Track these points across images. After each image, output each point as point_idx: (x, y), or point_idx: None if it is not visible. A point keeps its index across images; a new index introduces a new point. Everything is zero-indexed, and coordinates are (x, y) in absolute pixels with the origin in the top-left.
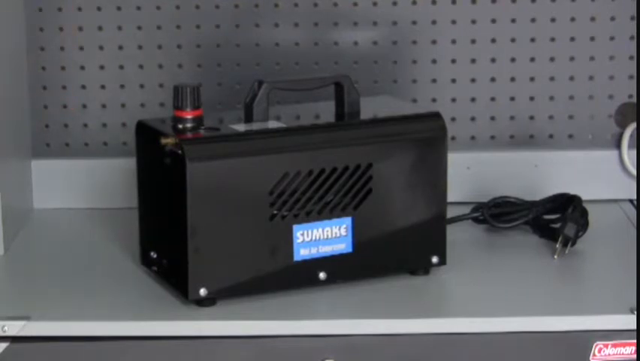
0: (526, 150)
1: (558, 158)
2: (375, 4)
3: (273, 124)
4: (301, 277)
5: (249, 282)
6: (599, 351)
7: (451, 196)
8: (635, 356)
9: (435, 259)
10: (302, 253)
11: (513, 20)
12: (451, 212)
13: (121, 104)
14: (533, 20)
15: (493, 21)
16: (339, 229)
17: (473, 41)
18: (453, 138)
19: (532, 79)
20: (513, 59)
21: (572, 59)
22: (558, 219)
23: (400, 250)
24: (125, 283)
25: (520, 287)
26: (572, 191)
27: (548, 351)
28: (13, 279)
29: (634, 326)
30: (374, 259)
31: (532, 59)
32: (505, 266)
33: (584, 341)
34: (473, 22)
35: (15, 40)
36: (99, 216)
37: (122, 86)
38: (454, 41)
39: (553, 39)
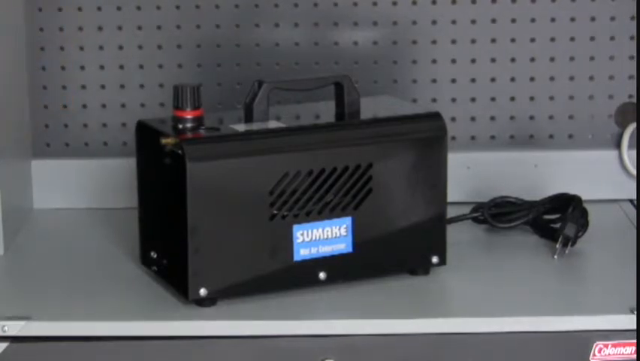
0: (526, 150)
1: (558, 158)
2: (375, 4)
3: (273, 124)
4: (301, 277)
5: (249, 282)
6: (599, 351)
7: (451, 196)
8: (635, 356)
9: (435, 259)
10: (302, 253)
11: (513, 20)
12: (451, 212)
13: (121, 104)
14: (533, 20)
15: (493, 21)
16: (339, 229)
17: (473, 41)
18: (453, 138)
19: (532, 79)
20: (513, 59)
21: (572, 59)
22: (558, 219)
23: (400, 250)
24: (125, 283)
25: (520, 287)
26: (572, 191)
27: (548, 351)
28: (13, 279)
29: (634, 326)
30: (374, 259)
31: (532, 59)
32: (505, 266)
33: (584, 341)
34: (473, 22)
35: (15, 40)
36: (99, 216)
37: (122, 86)
38: (454, 41)
39: (553, 39)
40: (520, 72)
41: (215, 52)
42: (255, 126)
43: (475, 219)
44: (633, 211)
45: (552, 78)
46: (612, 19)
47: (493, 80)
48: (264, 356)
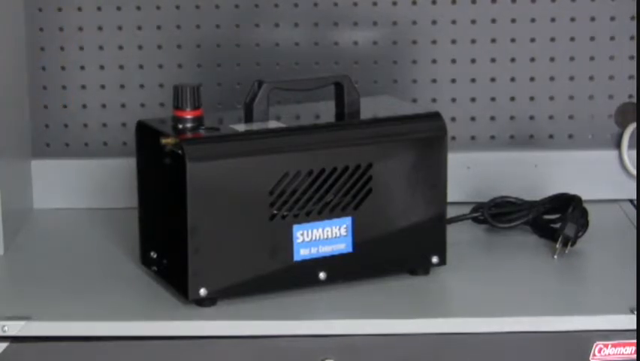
0: (526, 150)
1: (558, 158)
2: (375, 4)
3: (273, 124)
4: (301, 277)
5: (249, 282)
6: (599, 351)
7: (451, 196)
8: (635, 356)
9: (435, 259)
10: (302, 253)
11: (513, 20)
12: (451, 212)
13: (121, 104)
14: (533, 20)
15: (493, 21)
16: (339, 229)
17: (473, 41)
18: (453, 138)
19: (532, 79)
20: (513, 59)
21: (572, 59)
22: (558, 219)
23: (400, 250)
24: (125, 283)
25: (520, 287)
26: (572, 191)
27: (548, 351)
28: (13, 279)
29: (634, 326)
30: (374, 259)
31: (532, 59)
32: (505, 266)
33: (584, 341)
34: (473, 22)
35: (15, 40)
36: (99, 216)
37: (122, 86)
38: (454, 41)
39: (553, 39)
40: (520, 72)
41: (215, 52)
42: (255, 126)
43: (475, 219)
44: (633, 211)
45: (552, 78)
46: (612, 19)
47: (493, 80)
48: (264, 356)
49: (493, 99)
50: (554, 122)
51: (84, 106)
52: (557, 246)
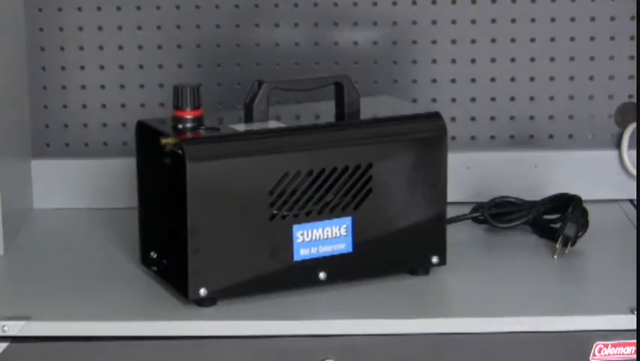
0: (526, 150)
1: (558, 158)
2: (375, 4)
3: (273, 124)
4: (301, 277)
5: (249, 282)
6: (599, 351)
7: (451, 196)
8: (635, 356)
9: (435, 259)
10: (302, 253)
11: (513, 20)
12: (451, 212)
13: (121, 104)
14: (533, 20)
15: (493, 21)
16: (339, 229)
17: (473, 41)
18: (453, 138)
19: (532, 79)
20: (513, 59)
21: (572, 59)
22: (558, 219)
23: (400, 250)
24: (125, 283)
25: (520, 287)
26: (572, 191)
27: (548, 351)
28: (13, 279)
29: (634, 326)
30: (374, 259)
31: (532, 59)
32: (505, 266)
33: (584, 341)
34: (473, 22)
35: (15, 40)
36: (99, 216)
37: (122, 86)
38: (454, 41)
39: (553, 39)
40: (520, 72)
41: (215, 52)
42: (255, 126)
43: (475, 219)
44: (633, 211)
45: (552, 78)
46: (612, 19)
47: (493, 80)
48: (264, 356)
49: (493, 99)
50: (554, 122)
51: (84, 106)
52: (557, 246)
